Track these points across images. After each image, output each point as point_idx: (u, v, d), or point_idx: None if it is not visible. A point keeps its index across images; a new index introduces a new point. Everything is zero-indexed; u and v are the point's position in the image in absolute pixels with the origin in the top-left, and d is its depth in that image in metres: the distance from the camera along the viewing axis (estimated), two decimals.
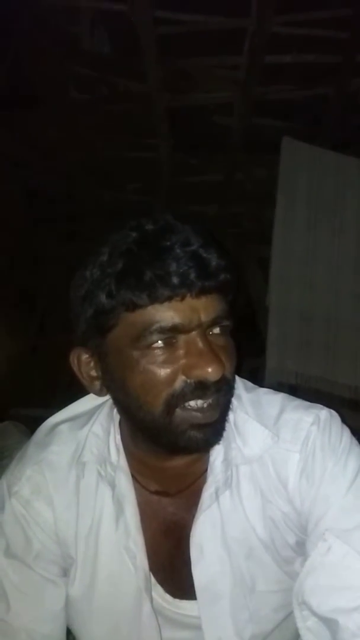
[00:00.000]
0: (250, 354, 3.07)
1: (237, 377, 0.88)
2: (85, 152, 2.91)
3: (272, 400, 0.84)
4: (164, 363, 0.71)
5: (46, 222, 3.50)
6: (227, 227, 3.44)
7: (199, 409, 0.72)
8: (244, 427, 0.80)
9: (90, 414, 0.89)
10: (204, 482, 0.80)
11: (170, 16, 2.08)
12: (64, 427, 0.89)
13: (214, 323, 0.73)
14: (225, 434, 0.79)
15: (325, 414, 0.80)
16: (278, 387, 2.39)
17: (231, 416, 0.81)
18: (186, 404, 0.72)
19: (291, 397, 0.85)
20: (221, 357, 0.72)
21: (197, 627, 0.80)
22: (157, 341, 0.71)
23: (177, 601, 0.83)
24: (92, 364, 0.79)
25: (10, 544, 0.85)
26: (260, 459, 0.79)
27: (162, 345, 0.71)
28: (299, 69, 2.34)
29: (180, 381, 0.71)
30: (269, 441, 0.78)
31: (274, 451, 0.78)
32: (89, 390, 0.82)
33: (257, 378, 2.69)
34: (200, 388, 0.71)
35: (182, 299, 0.70)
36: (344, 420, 0.83)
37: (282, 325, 2.56)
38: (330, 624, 0.71)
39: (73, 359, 0.80)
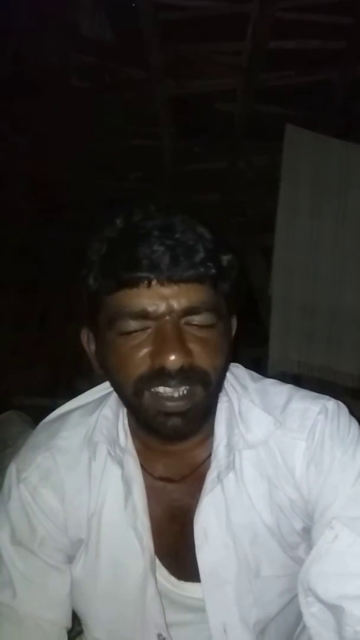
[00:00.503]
0: (253, 343, 3.07)
1: (243, 368, 0.89)
2: (87, 140, 2.89)
3: (279, 390, 0.85)
4: (135, 347, 0.73)
5: (48, 211, 3.49)
6: (230, 216, 3.42)
7: (168, 397, 0.73)
8: (248, 415, 0.82)
9: (100, 400, 0.90)
10: (208, 468, 0.80)
11: (172, 2, 2.05)
12: (74, 414, 0.90)
13: (189, 312, 0.73)
14: (228, 421, 0.81)
15: (332, 404, 0.81)
16: (281, 376, 2.41)
17: (236, 405, 0.83)
18: (153, 389, 0.73)
19: (298, 387, 0.86)
20: (193, 347, 0.72)
21: (202, 610, 0.81)
22: (129, 326, 0.73)
23: (182, 583, 0.84)
24: (94, 342, 0.82)
25: (16, 530, 0.86)
26: (267, 446, 0.79)
27: (134, 330, 0.73)
28: (302, 55, 2.31)
29: (146, 365, 0.73)
30: (271, 427, 0.79)
31: (280, 439, 0.79)
32: (93, 366, 0.84)
33: (260, 368, 2.69)
34: (163, 375, 0.72)
35: (149, 285, 0.71)
36: (351, 412, 0.83)
37: (285, 314, 2.56)
38: (335, 610, 0.71)
39: (83, 336, 0.84)
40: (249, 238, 3.50)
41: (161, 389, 0.73)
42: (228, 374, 0.86)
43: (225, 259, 0.78)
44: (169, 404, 0.73)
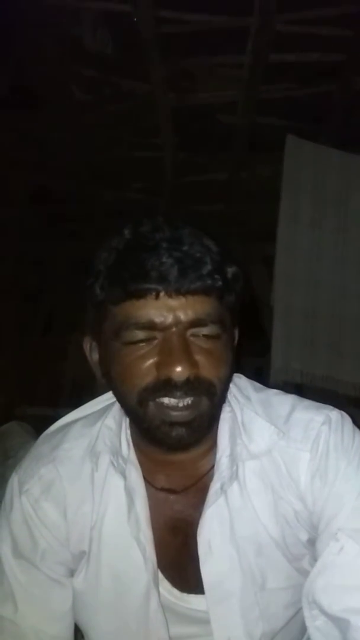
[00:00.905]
0: (255, 352, 3.07)
1: (245, 379, 0.89)
2: (89, 152, 2.91)
3: (282, 400, 0.85)
4: (140, 358, 0.73)
5: (50, 222, 3.51)
6: (232, 226, 3.43)
7: (173, 407, 0.73)
8: (251, 425, 0.81)
9: (102, 411, 0.90)
10: (211, 479, 0.80)
11: (173, 15, 2.07)
12: (76, 425, 0.90)
13: (195, 324, 0.73)
14: (231, 431, 0.80)
15: (336, 415, 0.80)
16: (283, 386, 2.41)
17: (239, 415, 0.82)
18: (158, 400, 0.73)
19: (301, 398, 0.85)
20: (199, 359, 0.73)
21: (206, 622, 0.80)
22: (135, 336, 0.73)
23: (185, 595, 0.83)
24: (97, 351, 0.82)
25: (17, 543, 0.85)
26: (271, 457, 0.79)
27: (140, 340, 0.73)
28: (302, 68, 2.33)
29: (151, 376, 0.73)
30: (274, 437, 0.79)
31: (283, 450, 0.79)
32: (96, 376, 0.84)
33: (262, 377, 2.69)
34: (168, 386, 0.72)
35: (157, 296, 0.71)
36: (353, 421, 0.83)
37: (287, 323, 2.56)
38: (341, 623, 0.71)
39: (86, 344, 0.84)
40: (251, 247, 3.51)
41: (166, 400, 0.73)
42: (231, 385, 0.86)
43: (231, 271, 0.78)
44: (174, 413, 0.73)
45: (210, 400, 0.75)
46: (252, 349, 3.09)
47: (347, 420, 0.82)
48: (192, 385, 0.72)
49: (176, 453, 0.78)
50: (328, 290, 2.58)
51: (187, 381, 0.71)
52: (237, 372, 0.89)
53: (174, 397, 0.72)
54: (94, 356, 0.83)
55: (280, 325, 2.56)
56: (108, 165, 3.05)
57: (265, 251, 3.18)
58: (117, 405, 0.87)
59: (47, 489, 0.85)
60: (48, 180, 3.18)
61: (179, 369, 0.71)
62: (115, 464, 0.83)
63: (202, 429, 0.76)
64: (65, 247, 3.58)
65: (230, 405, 0.83)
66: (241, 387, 0.88)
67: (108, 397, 0.91)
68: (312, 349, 2.54)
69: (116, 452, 0.83)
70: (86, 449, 0.85)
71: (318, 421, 0.79)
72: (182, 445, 0.76)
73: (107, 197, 3.30)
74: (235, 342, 0.85)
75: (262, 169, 3.00)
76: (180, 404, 0.73)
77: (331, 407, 0.83)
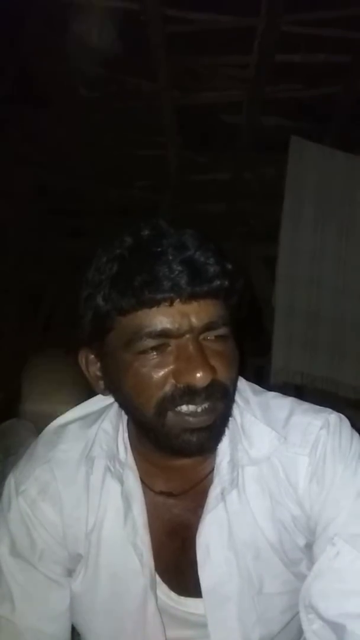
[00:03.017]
0: (256, 353, 3.07)
1: (244, 381, 0.89)
2: (94, 149, 2.91)
3: (281, 403, 0.84)
4: (155, 367, 0.72)
5: (54, 219, 3.51)
6: (234, 226, 3.43)
7: (192, 413, 0.72)
8: (251, 429, 0.81)
9: (99, 413, 0.89)
10: (209, 483, 0.80)
11: (180, 15, 2.07)
12: (73, 426, 0.89)
13: (207, 328, 0.73)
14: (231, 435, 0.80)
15: (334, 418, 0.80)
16: (283, 387, 2.41)
17: (238, 419, 0.82)
18: (177, 408, 0.72)
19: (300, 401, 0.85)
20: (214, 362, 0.72)
21: (203, 626, 0.80)
22: (148, 345, 0.71)
23: (183, 599, 0.83)
24: (97, 364, 0.80)
25: (15, 543, 0.85)
26: (269, 461, 0.79)
27: (154, 349, 0.72)
28: (308, 68, 2.33)
29: (170, 385, 0.72)
30: (275, 443, 0.79)
31: (282, 454, 0.78)
32: (95, 390, 0.83)
33: (262, 377, 2.69)
34: (189, 393, 0.71)
35: (171, 304, 0.70)
36: (352, 424, 0.83)
37: (288, 325, 2.56)
38: (337, 628, 0.71)
39: (81, 358, 0.82)
40: (253, 248, 3.51)
41: (184, 407, 0.72)
42: None
43: (232, 271, 0.77)
44: (193, 420, 0.72)
45: (225, 402, 0.75)
46: (252, 350, 3.09)
47: (346, 423, 0.81)
48: (211, 390, 0.72)
49: (190, 458, 0.78)
50: (330, 292, 2.58)
51: (207, 386, 0.71)
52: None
53: (194, 404, 0.72)
54: (92, 370, 0.81)
55: (281, 326, 2.56)
56: (112, 163, 3.05)
57: (267, 251, 3.18)
58: (115, 408, 0.86)
59: (44, 490, 0.84)
60: (52, 178, 3.18)
61: (199, 374, 0.70)
62: (112, 469, 0.83)
63: (220, 432, 0.76)
64: (67, 244, 3.58)
65: None
66: (240, 390, 0.87)
67: (107, 397, 0.90)
68: (312, 351, 2.55)
69: (113, 457, 0.83)
70: (81, 453, 0.85)
71: (316, 425, 0.79)
72: (202, 451, 0.75)
73: (110, 194, 3.30)
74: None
75: (266, 169, 3.00)
76: (199, 409, 0.72)
77: (330, 410, 0.83)
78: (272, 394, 0.88)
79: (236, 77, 2.37)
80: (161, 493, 0.83)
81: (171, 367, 0.72)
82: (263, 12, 1.96)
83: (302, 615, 0.75)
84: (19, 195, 3.20)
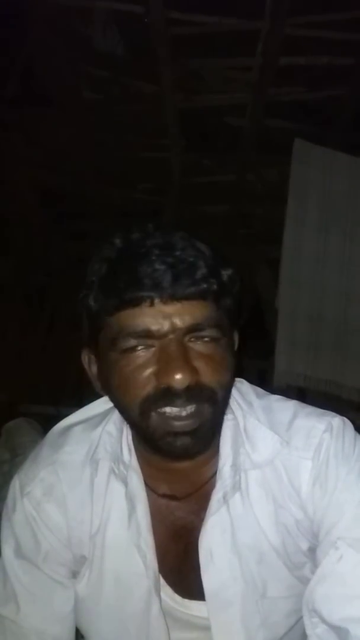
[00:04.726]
0: (259, 355, 3.07)
1: (247, 384, 0.88)
2: (97, 152, 2.92)
3: (284, 406, 0.84)
4: (140, 367, 0.72)
5: (57, 221, 3.51)
6: (238, 228, 3.43)
7: (175, 417, 0.72)
8: (254, 433, 0.81)
9: (103, 415, 0.89)
10: (212, 486, 0.80)
11: (184, 17, 2.08)
12: (77, 429, 0.89)
13: (192, 330, 0.72)
14: (234, 439, 0.80)
15: (338, 422, 0.80)
16: (286, 389, 2.40)
17: (241, 422, 0.82)
18: (160, 410, 0.72)
19: (303, 404, 0.85)
20: (198, 365, 0.72)
21: (206, 629, 0.80)
22: (131, 345, 0.72)
23: (187, 601, 0.83)
24: (96, 364, 0.81)
25: (20, 544, 0.85)
26: (272, 465, 0.79)
27: (138, 349, 0.72)
28: (312, 71, 2.33)
29: (152, 386, 0.72)
30: (278, 446, 0.78)
31: (286, 458, 0.78)
32: (95, 388, 0.83)
33: (265, 380, 2.69)
34: (169, 395, 0.71)
35: (152, 304, 0.70)
36: (355, 426, 0.83)
37: (292, 327, 2.55)
38: (340, 632, 0.71)
39: (84, 358, 0.83)
40: (256, 250, 3.51)
41: (168, 409, 0.72)
42: (233, 391, 0.85)
43: (226, 274, 0.77)
44: (177, 423, 0.72)
45: (213, 407, 0.74)
46: (255, 352, 3.09)
47: (349, 427, 0.81)
48: (193, 393, 0.71)
49: (180, 462, 0.78)
50: (333, 294, 2.58)
51: (188, 388, 0.70)
52: (239, 376, 0.89)
53: (176, 406, 0.71)
54: (92, 369, 0.82)
55: (285, 329, 2.55)
56: (115, 165, 3.05)
57: (270, 254, 3.18)
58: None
59: (49, 492, 0.85)
60: (55, 180, 3.19)
61: (178, 376, 0.69)
62: (117, 471, 0.83)
63: (206, 437, 0.75)
64: (71, 246, 3.58)
65: (232, 412, 0.83)
66: (243, 393, 0.87)
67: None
68: (316, 353, 2.54)
69: (117, 459, 0.83)
70: (86, 455, 0.85)
71: (320, 429, 0.79)
72: (187, 455, 0.75)
73: (113, 197, 3.31)
74: (236, 346, 0.85)
75: (270, 172, 3.00)
76: (183, 413, 0.72)
77: (333, 413, 0.82)
78: (275, 396, 0.88)
79: (240, 79, 2.37)
80: (164, 496, 0.83)
81: (154, 367, 0.72)
82: (267, 14, 1.96)
83: (306, 619, 0.75)
84: (22, 197, 3.21)
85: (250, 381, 0.91)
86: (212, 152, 2.93)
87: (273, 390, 0.90)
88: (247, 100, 2.46)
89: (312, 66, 2.31)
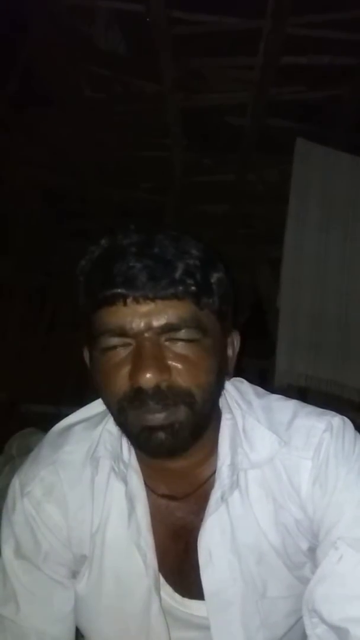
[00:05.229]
0: (260, 355, 3.07)
1: (247, 383, 0.88)
2: (98, 151, 2.92)
3: (283, 406, 0.84)
4: (116, 365, 0.72)
5: (57, 220, 3.51)
6: (239, 228, 3.43)
7: (149, 410, 0.71)
8: (252, 433, 0.80)
9: (104, 414, 0.89)
10: (211, 486, 0.80)
11: (186, 16, 2.07)
12: (77, 428, 0.89)
13: (167, 330, 0.71)
14: (232, 439, 0.80)
15: (338, 421, 0.80)
16: (287, 389, 2.40)
17: (240, 422, 0.82)
18: (135, 410, 0.72)
19: (303, 403, 0.85)
20: (174, 365, 0.71)
21: (206, 628, 0.80)
22: (112, 344, 0.72)
23: (187, 601, 0.83)
24: (89, 360, 0.81)
25: (20, 544, 0.85)
26: (272, 465, 0.79)
27: (118, 347, 0.72)
28: (313, 71, 2.33)
29: (126, 385, 0.71)
30: (276, 446, 0.78)
31: (285, 457, 0.78)
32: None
33: (266, 380, 2.69)
34: (141, 396, 0.70)
35: (125, 302, 0.70)
36: (355, 426, 0.83)
37: (293, 327, 2.55)
38: (340, 632, 0.71)
39: (85, 355, 0.83)
40: (257, 249, 3.51)
41: (143, 408, 0.72)
42: (232, 390, 0.85)
43: (212, 273, 0.75)
44: (149, 416, 0.71)
45: (191, 409, 0.72)
46: (256, 352, 3.08)
47: (349, 426, 0.81)
48: (165, 394, 0.70)
49: (166, 460, 0.77)
50: (335, 294, 2.57)
51: (159, 390, 0.70)
52: (240, 375, 0.89)
53: (146, 406, 0.70)
54: (90, 366, 0.82)
55: (286, 328, 2.55)
56: (116, 165, 3.05)
57: (271, 253, 3.18)
58: None
59: (49, 491, 0.85)
60: (56, 179, 3.19)
61: (147, 375, 0.69)
62: (117, 470, 0.82)
63: (184, 437, 0.73)
64: (71, 246, 3.58)
65: (231, 412, 0.82)
66: (243, 392, 0.87)
67: None
68: (317, 353, 2.54)
69: (117, 457, 0.83)
70: (87, 454, 0.85)
71: (320, 428, 0.78)
72: (163, 451, 0.74)
73: (114, 196, 3.31)
74: (236, 346, 0.84)
75: (271, 171, 3.00)
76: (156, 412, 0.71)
77: (333, 412, 0.82)
78: (275, 396, 0.87)
79: (241, 79, 2.37)
80: (164, 496, 0.83)
81: (129, 366, 0.72)
82: (269, 14, 1.95)
83: (306, 619, 0.75)
84: (23, 197, 3.21)
85: (251, 381, 0.91)
86: (213, 152, 2.92)
87: (274, 390, 0.90)
88: (249, 99, 2.46)
89: (314, 66, 2.30)
